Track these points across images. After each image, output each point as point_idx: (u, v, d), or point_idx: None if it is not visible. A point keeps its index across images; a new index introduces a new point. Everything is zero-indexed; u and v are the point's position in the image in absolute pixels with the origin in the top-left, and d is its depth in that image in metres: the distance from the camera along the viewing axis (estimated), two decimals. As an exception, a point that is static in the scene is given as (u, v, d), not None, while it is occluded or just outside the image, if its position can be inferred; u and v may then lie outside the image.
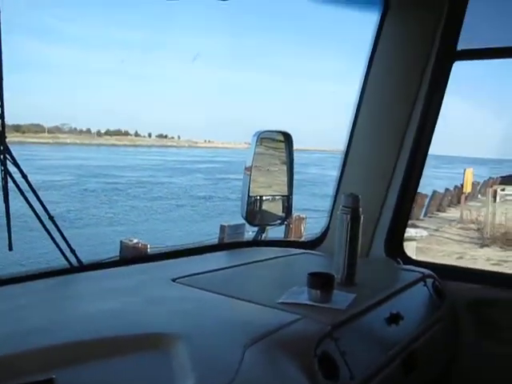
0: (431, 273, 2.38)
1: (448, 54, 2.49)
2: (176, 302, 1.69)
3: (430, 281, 2.33)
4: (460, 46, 2.52)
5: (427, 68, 2.49)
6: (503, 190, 18.74)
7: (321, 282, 1.72)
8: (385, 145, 2.58)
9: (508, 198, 18.24)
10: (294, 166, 2.68)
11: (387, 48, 2.57)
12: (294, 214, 11.22)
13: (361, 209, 1.99)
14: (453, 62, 2.51)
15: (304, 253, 2.55)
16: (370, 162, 2.63)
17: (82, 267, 2.01)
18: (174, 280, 1.90)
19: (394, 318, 1.87)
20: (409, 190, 2.58)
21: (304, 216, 11.20)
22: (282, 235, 10.64)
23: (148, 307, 1.63)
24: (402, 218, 2.63)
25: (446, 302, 2.36)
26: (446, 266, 2.80)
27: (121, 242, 9.00)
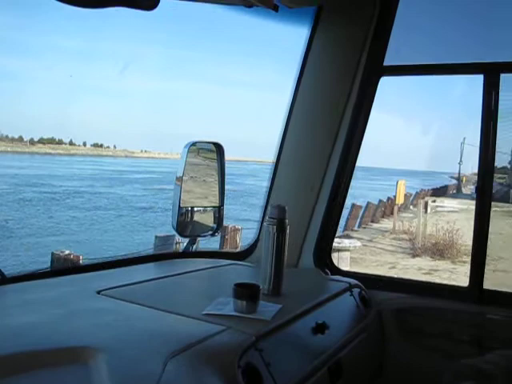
0: (358, 283, 2.42)
1: (375, 69, 2.56)
2: (98, 315, 1.66)
3: (356, 290, 2.38)
4: (387, 62, 2.60)
5: (355, 82, 2.56)
6: (434, 201, 19.31)
7: (246, 292, 1.73)
8: (314, 156, 2.62)
9: (439, 209, 18.79)
10: (226, 177, 2.67)
11: (317, 61, 2.62)
12: (230, 224, 11.22)
13: (287, 220, 2.01)
14: (380, 77, 2.58)
15: (233, 264, 2.55)
16: (299, 173, 2.66)
17: (6, 279, 1.95)
18: (98, 292, 1.87)
19: (320, 328, 1.89)
20: (337, 201, 2.63)
21: (239, 227, 11.18)
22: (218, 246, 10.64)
23: (69, 320, 1.59)
24: (330, 229, 2.67)
25: (372, 311, 2.41)
26: (373, 276, 2.85)
27: (52, 253, 8.76)
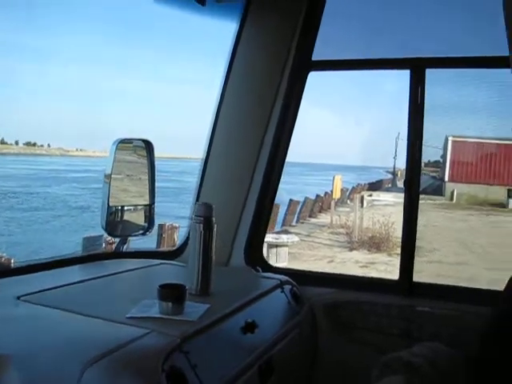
0: (289, 279, 2.40)
1: (303, 64, 2.55)
2: (15, 322, 1.58)
3: (287, 287, 2.36)
4: (317, 57, 2.59)
5: (284, 77, 2.54)
6: (370, 195, 19.66)
7: (172, 293, 1.68)
8: (243, 153, 2.59)
9: (375, 203, 19.14)
10: (160, 174, 2.61)
11: (245, 56, 2.59)
12: (168, 222, 11.10)
13: (214, 218, 1.97)
14: (308, 72, 2.57)
15: (163, 263, 2.49)
16: (228, 169, 2.63)
17: None
18: (19, 298, 1.78)
19: (250, 327, 1.86)
20: (267, 197, 2.60)
21: (177, 225, 11.08)
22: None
23: (-17, 328, 1.51)
24: (261, 225, 2.65)
25: (304, 307, 2.40)
26: (305, 271, 2.85)
27: (-21, 257, 8.45)
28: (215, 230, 1.96)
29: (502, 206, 17.87)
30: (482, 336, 1.54)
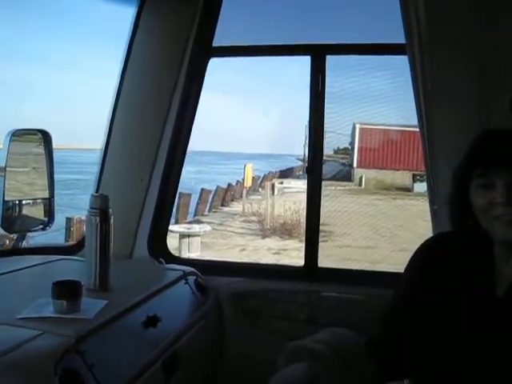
0: (193, 270, 2.36)
1: (203, 51, 2.50)
2: None
3: (191, 278, 2.32)
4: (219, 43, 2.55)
5: (183, 64, 2.47)
6: (281, 183, 19.86)
7: (65, 291, 1.60)
8: (143, 142, 2.51)
9: (286, 190, 19.35)
10: (55, 166, 2.48)
11: (144, 43, 2.50)
12: (76, 216, 10.77)
13: (111, 209, 1.89)
14: (209, 58, 2.52)
15: (62, 259, 2.38)
16: (128, 160, 2.54)
17: None
18: None
19: (152, 321, 1.81)
20: (169, 187, 2.55)
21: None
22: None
23: None
24: (163, 215, 2.59)
25: (210, 298, 2.36)
26: (210, 261, 2.83)
27: None
28: (112, 222, 1.89)
29: (408, 190, 18.49)
30: (382, 318, 1.56)
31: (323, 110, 2.43)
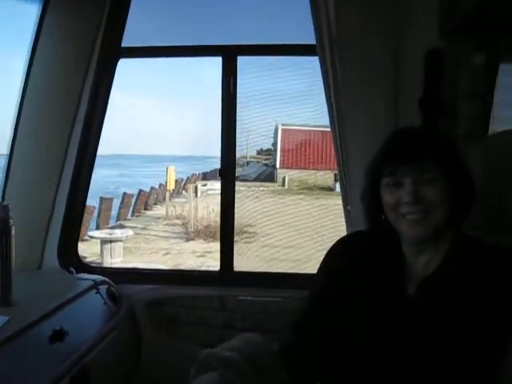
0: (104, 279, 2.28)
1: (112, 51, 2.42)
2: None
3: (103, 287, 2.23)
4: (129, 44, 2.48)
5: (91, 64, 2.38)
6: (205, 185, 19.75)
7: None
8: (51, 146, 2.39)
9: (210, 192, 19.27)
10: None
11: (49, 42, 2.39)
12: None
13: (12, 220, 1.78)
14: (118, 59, 2.45)
15: None
16: (35, 166, 2.40)
17: None
18: None
19: (58, 335, 1.72)
20: (78, 194, 2.44)
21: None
22: None
23: None
24: (74, 223, 2.48)
25: (123, 307, 2.29)
26: (125, 269, 2.75)
27: None
28: (13, 232, 1.78)
29: (330, 189, 18.77)
30: (294, 322, 1.53)
31: (235, 112, 2.41)
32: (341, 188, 2.25)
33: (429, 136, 1.42)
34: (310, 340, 1.45)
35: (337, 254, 1.53)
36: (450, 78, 2.03)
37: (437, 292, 1.32)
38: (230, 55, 2.41)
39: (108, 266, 8.52)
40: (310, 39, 2.23)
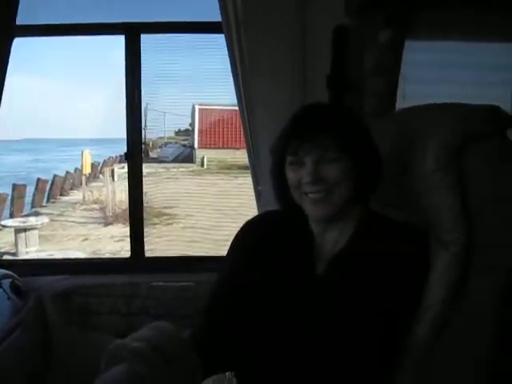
0: (7, 272, 2.16)
1: (4, 30, 2.26)
2: None
3: (6, 281, 2.11)
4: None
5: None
6: (122, 167, 19.39)
7: None
8: None
9: (127, 175, 18.93)
10: None
11: None
12: None
13: None
14: (12, 39, 2.29)
15: None
16: None
17: None
18: None
19: None
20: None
21: None
22: None
23: None
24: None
25: (30, 301, 2.17)
26: (31, 260, 2.62)
27: None
28: None
29: (248, 168, 18.90)
30: (204, 306, 1.49)
31: (140, 92, 2.32)
32: (250, 168, 2.21)
33: (333, 112, 1.39)
34: (218, 324, 1.41)
35: (245, 235, 1.49)
36: (356, 55, 2.01)
37: (345, 270, 1.30)
38: (133, 33, 2.32)
39: (23, 255, 8.26)
40: (217, 17, 2.18)
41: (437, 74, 2.11)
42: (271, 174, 1.42)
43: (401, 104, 2.04)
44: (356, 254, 1.31)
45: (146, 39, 2.35)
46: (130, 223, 2.39)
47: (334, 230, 1.36)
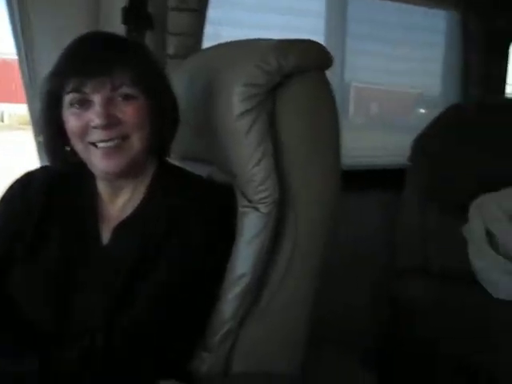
0: None
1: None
2: None
3: None
4: None
5: None
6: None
7: None
8: None
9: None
10: None
11: None
12: None
13: None
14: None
15: None
16: None
17: None
18: None
19: None
20: None
21: None
22: None
23: None
24: None
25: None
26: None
27: None
28: None
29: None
30: None
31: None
32: (30, 116, 1.86)
33: (126, 43, 1.12)
34: None
35: (14, 197, 1.16)
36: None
37: (133, 238, 1.07)
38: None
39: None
40: None
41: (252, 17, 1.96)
42: (42, 119, 1.10)
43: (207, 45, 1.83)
44: (146, 219, 1.08)
45: None
46: None
47: (126, 189, 1.11)
